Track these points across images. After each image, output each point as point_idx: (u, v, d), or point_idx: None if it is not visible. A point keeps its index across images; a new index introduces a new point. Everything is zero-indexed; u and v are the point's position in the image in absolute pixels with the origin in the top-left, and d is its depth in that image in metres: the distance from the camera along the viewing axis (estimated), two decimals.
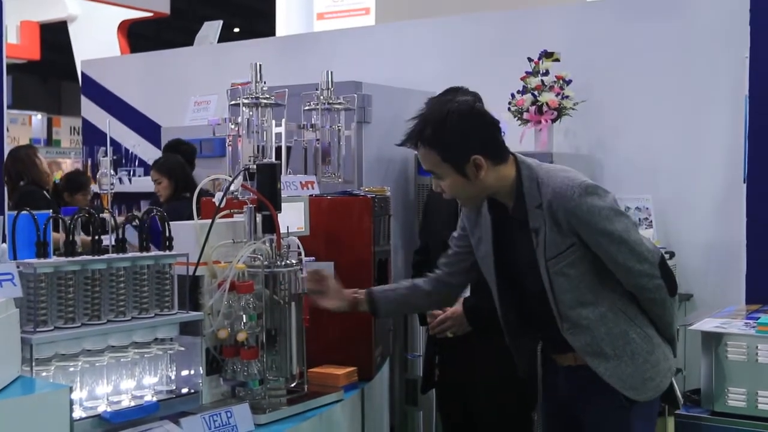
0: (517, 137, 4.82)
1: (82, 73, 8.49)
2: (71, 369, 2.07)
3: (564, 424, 2.68)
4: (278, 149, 2.87)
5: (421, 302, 2.86)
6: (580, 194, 2.37)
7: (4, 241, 2.40)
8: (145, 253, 2.25)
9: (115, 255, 2.20)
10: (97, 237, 2.18)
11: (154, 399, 2.20)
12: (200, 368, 2.35)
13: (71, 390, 1.92)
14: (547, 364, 2.70)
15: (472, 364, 3.27)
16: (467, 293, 3.27)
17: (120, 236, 2.24)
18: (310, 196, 2.89)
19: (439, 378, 3.40)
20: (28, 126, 18.75)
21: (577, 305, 2.45)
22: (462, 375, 3.31)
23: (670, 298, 2.51)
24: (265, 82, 2.84)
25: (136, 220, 2.31)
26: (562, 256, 2.42)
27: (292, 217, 2.70)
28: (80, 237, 2.25)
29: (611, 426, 2.53)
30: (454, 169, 2.42)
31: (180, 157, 5.50)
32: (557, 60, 4.98)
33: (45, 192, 6.07)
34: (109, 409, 2.10)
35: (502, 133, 2.48)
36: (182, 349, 2.30)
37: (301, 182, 2.87)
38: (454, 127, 2.38)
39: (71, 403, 1.90)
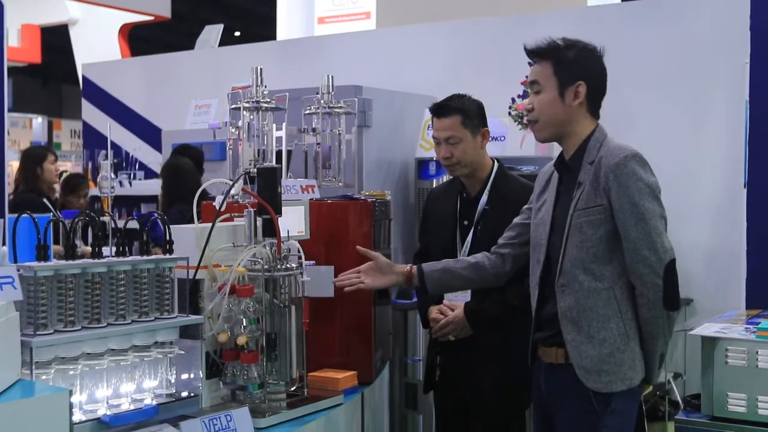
0: (518, 141, 4.83)
1: (83, 77, 8.50)
2: (71, 372, 2.07)
3: (543, 424, 2.72)
4: (279, 153, 2.87)
5: (466, 273, 2.90)
6: (627, 156, 2.47)
7: (4, 244, 2.40)
8: (145, 257, 2.25)
9: (115, 258, 2.20)
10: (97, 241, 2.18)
11: (154, 402, 2.19)
12: (200, 372, 2.35)
13: (71, 393, 1.92)
14: (534, 362, 2.73)
15: (471, 365, 3.28)
16: (468, 297, 3.28)
17: (120, 239, 2.24)
18: (310, 200, 2.89)
19: (439, 378, 3.41)
20: (28, 129, 18.76)
21: (580, 267, 2.50)
22: (462, 376, 3.31)
23: (664, 309, 2.46)
24: (265, 86, 2.84)
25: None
26: (586, 211, 2.49)
27: (293, 221, 2.70)
28: (81, 248, 2.24)
29: (576, 429, 2.56)
30: (558, 85, 2.56)
31: (178, 162, 5.40)
32: None
33: (45, 200, 5.99)
34: (108, 413, 2.09)
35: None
36: (182, 352, 2.30)
37: (301, 186, 2.87)
38: (577, 52, 2.58)
39: (71, 406, 1.89)
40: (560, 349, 2.56)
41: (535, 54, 2.63)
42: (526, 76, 4.87)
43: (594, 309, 2.49)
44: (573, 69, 2.56)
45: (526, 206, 2.85)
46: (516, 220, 2.88)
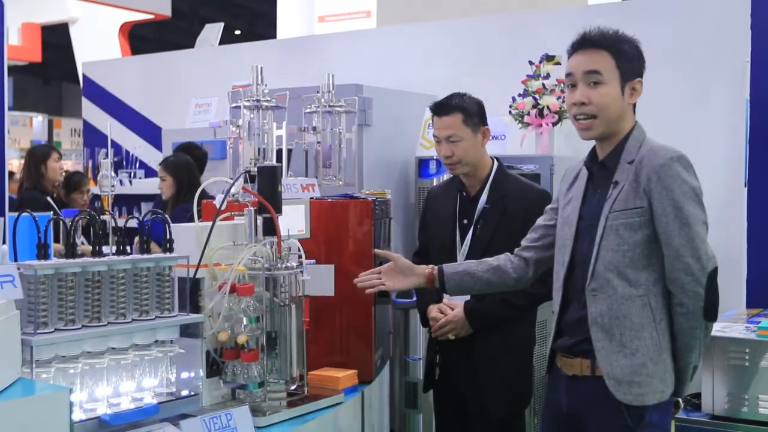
0: (518, 140, 4.83)
1: (83, 75, 8.50)
2: (71, 371, 2.06)
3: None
4: (279, 152, 2.87)
5: (487, 276, 2.78)
6: (672, 158, 2.37)
7: (4, 242, 2.40)
8: (145, 255, 2.25)
9: (115, 257, 2.19)
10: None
11: (154, 401, 2.19)
12: (200, 370, 2.34)
13: (71, 392, 1.92)
14: (551, 374, 2.63)
15: (471, 364, 3.28)
16: (467, 296, 3.28)
17: (121, 238, 2.23)
18: (310, 198, 2.88)
19: (439, 377, 3.41)
20: (29, 128, 18.77)
21: (614, 271, 2.39)
22: (461, 375, 3.32)
23: (703, 320, 2.36)
24: (266, 85, 2.84)
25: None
26: (625, 213, 2.38)
27: (293, 220, 2.70)
28: (82, 246, 2.24)
29: None
30: (620, 80, 2.45)
31: (190, 159, 5.36)
32: (558, 63, 4.98)
33: (49, 197, 5.96)
34: (108, 411, 2.09)
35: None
36: (182, 351, 2.30)
37: (301, 185, 2.86)
38: (635, 47, 2.50)
39: (71, 405, 1.89)
40: (585, 359, 2.44)
41: (593, 42, 2.48)
42: (528, 75, 4.93)
43: (628, 317, 2.37)
44: (634, 64, 2.47)
45: (549, 206, 2.74)
46: (539, 221, 2.75)
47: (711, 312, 2.36)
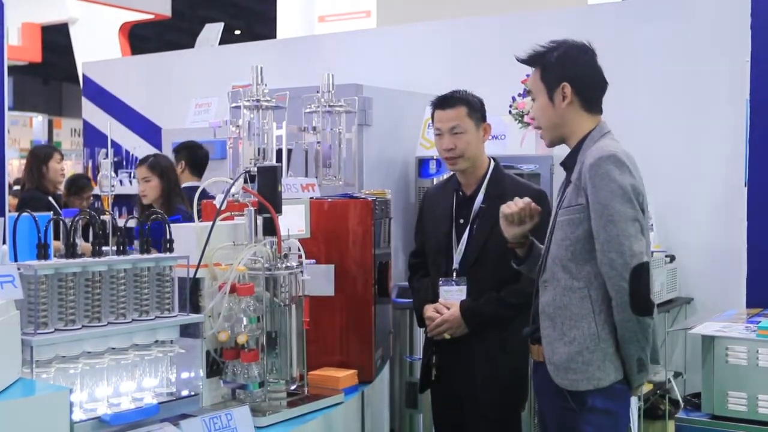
0: (518, 140, 4.83)
1: (83, 75, 8.50)
2: (71, 371, 2.06)
3: (540, 421, 2.78)
4: (279, 152, 2.87)
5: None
6: (602, 157, 2.47)
7: (4, 242, 2.40)
8: (145, 255, 2.25)
9: (115, 257, 2.19)
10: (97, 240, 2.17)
11: (155, 401, 2.19)
12: (200, 370, 2.34)
13: (71, 392, 1.92)
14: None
15: (468, 365, 3.28)
16: (463, 296, 3.27)
17: (121, 238, 2.23)
18: (310, 198, 2.88)
19: (435, 378, 3.40)
20: (29, 128, 18.79)
21: (559, 264, 2.55)
22: (458, 375, 3.31)
23: (633, 314, 2.43)
24: (266, 85, 2.84)
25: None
26: (568, 210, 2.54)
27: (293, 220, 2.70)
28: (81, 245, 2.24)
29: (560, 426, 2.61)
30: (546, 90, 2.63)
31: (170, 160, 5.08)
32: None
33: (50, 198, 5.94)
34: (109, 411, 2.09)
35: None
36: (182, 351, 2.30)
37: (301, 185, 2.86)
38: (561, 54, 2.63)
39: (71, 405, 1.90)
40: (540, 346, 2.62)
41: (525, 63, 2.70)
42: (527, 75, 4.90)
43: (568, 307, 2.53)
44: (556, 71, 2.62)
45: None
46: None
47: (639, 306, 2.44)
